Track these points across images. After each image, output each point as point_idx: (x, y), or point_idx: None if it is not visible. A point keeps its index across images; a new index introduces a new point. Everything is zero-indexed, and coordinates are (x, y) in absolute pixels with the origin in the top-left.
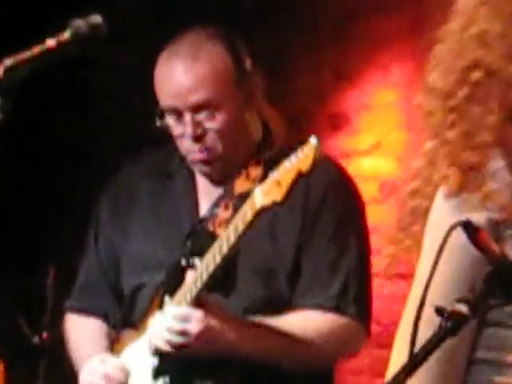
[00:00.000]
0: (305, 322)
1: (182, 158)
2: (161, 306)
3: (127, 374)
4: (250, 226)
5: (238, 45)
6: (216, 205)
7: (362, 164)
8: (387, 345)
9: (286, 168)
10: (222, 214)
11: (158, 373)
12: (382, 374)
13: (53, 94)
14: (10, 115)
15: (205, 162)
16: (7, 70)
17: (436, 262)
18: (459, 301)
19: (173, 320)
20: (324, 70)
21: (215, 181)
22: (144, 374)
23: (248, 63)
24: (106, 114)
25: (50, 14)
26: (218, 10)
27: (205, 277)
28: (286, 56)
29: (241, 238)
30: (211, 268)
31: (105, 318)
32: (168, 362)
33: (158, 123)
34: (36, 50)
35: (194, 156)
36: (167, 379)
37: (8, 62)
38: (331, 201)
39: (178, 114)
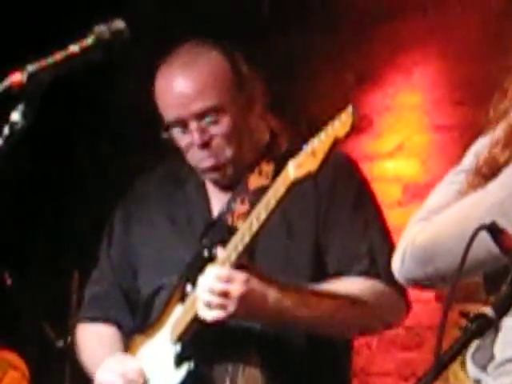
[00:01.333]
0: (348, 286)
1: (192, 167)
2: (182, 298)
3: (144, 378)
4: (283, 199)
5: (233, 51)
6: (232, 200)
7: (385, 166)
8: (411, 347)
9: (320, 138)
10: (240, 208)
11: (180, 359)
12: (406, 377)
13: (75, 100)
14: (33, 121)
15: (214, 168)
16: (31, 76)
17: (462, 263)
18: (485, 304)
19: (215, 280)
20: (346, 72)
21: (225, 187)
22: (165, 365)
23: (245, 68)
24: (127, 119)
25: (73, 20)
26: (234, 14)
27: (246, 239)
28: (308, 59)
29: (274, 211)
30: (250, 233)
31: (118, 325)
32: (191, 347)
33: (165, 136)
34: (59, 55)
35: (204, 164)
36: (191, 364)
37: (31, 68)
38: (341, 184)
39: (183, 124)
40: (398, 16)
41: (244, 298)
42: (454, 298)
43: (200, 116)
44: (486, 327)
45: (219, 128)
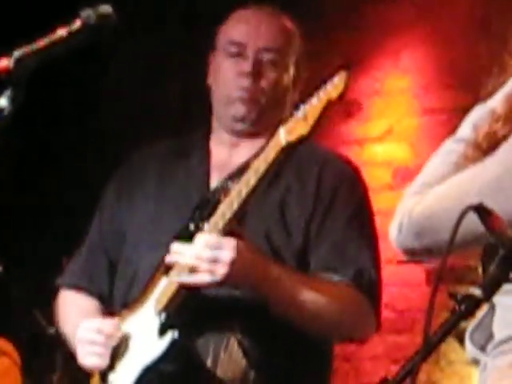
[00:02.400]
0: (332, 283)
1: (202, 138)
2: (167, 271)
3: (121, 331)
4: (273, 164)
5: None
6: (229, 178)
7: (374, 150)
8: (402, 330)
9: (312, 103)
10: (234, 187)
11: (164, 328)
12: (397, 360)
13: (64, 87)
14: (20, 106)
15: (247, 100)
16: (17, 61)
17: (451, 243)
18: (472, 284)
19: (204, 247)
20: (335, 56)
21: (240, 136)
22: (149, 336)
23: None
24: (119, 107)
25: (60, 4)
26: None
27: (235, 206)
28: None
29: (265, 177)
30: (238, 200)
31: (99, 298)
32: (175, 317)
33: (210, 56)
34: (46, 40)
35: (239, 92)
36: (175, 333)
37: (18, 52)
38: (343, 192)
39: (242, 48)
40: (385, 0)
41: (233, 263)
42: (442, 279)
43: (263, 50)
44: (474, 308)
45: (272, 71)
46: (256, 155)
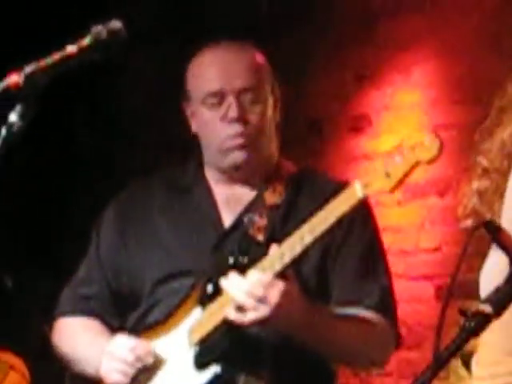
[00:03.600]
0: (361, 317)
1: (197, 173)
2: (201, 301)
3: (154, 357)
4: (343, 216)
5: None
6: (249, 212)
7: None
8: (412, 346)
9: (396, 161)
10: (259, 221)
11: (202, 361)
12: (407, 376)
13: (77, 100)
14: (31, 122)
15: (242, 146)
16: (28, 77)
17: (462, 257)
18: (483, 301)
19: (256, 285)
20: (345, 71)
21: (239, 182)
22: (183, 365)
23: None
24: (130, 121)
25: (70, 20)
26: (233, 14)
27: (297, 251)
28: (308, 58)
29: (332, 227)
30: (301, 245)
31: (103, 321)
32: (213, 349)
33: (185, 106)
34: (56, 56)
35: (231, 142)
36: (218, 369)
37: (28, 68)
38: (357, 225)
39: (221, 97)
40: (396, 15)
41: (280, 307)
42: (452, 295)
43: (242, 92)
44: (484, 324)
45: (256, 110)
46: (265, 188)
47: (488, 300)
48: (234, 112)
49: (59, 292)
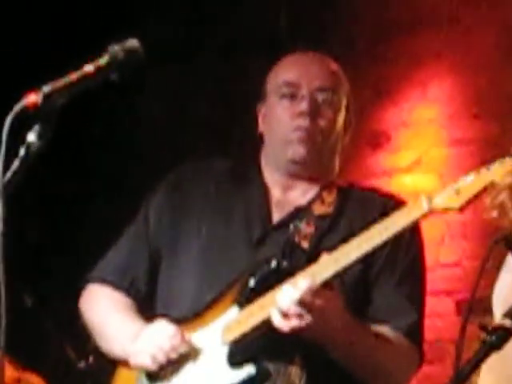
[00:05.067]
0: (390, 340)
1: (256, 172)
2: (238, 300)
3: (189, 350)
4: (404, 230)
5: None
6: (297, 218)
7: (403, 181)
8: (433, 361)
9: (468, 180)
10: (305, 228)
11: (236, 359)
12: None
13: (92, 121)
14: (49, 141)
15: (304, 140)
16: (46, 97)
17: (481, 271)
18: (504, 315)
19: (306, 292)
20: (363, 87)
21: (295, 179)
22: (216, 361)
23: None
24: (145, 139)
25: (87, 40)
26: (254, 28)
27: (340, 266)
28: None
29: (388, 240)
30: (357, 253)
31: (136, 301)
32: (249, 349)
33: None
34: (74, 76)
35: (296, 134)
36: (252, 369)
37: (46, 88)
38: (402, 246)
39: (296, 88)
40: (413, 30)
41: (323, 315)
42: (472, 310)
43: (318, 90)
44: (505, 339)
45: (327, 113)
46: (315, 199)
47: (508, 314)
48: (304, 106)
49: (75, 310)
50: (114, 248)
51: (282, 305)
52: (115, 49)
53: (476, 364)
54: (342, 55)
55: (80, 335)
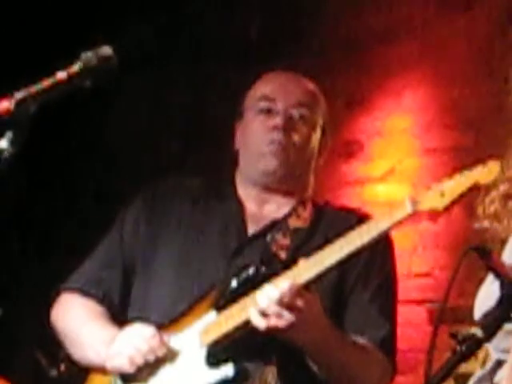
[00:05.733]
0: (367, 349)
1: (230, 187)
2: (216, 305)
3: (167, 352)
4: (386, 233)
5: None
6: (272, 229)
7: (376, 190)
8: (405, 371)
9: (454, 180)
10: (281, 240)
11: (214, 360)
12: None
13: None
14: (21, 148)
15: (277, 153)
16: (18, 103)
17: (452, 281)
18: (474, 325)
19: (287, 292)
20: (336, 97)
21: (268, 192)
22: (194, 363)
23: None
24: (119, 143)
25: (59, 46)
26: (224, 39)
27: (323, 266)
28: None
29: (371, 242)
30: (331, 261)
31: (109, 310)
32: (228, 351)
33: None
34: (46, 82)
35: (269, 147)
36: (230, 369)
37: (19, 95)
38: (380, 257)
39: (271, 103)
40: (387, 40)
41: (303, 316)
42: (443, 320)
43: (294, 106)
44: (475, 348)
45: (302, 129)
46: (291, 213)
47: (479, 324)
48: (279, 120)
49: (47, 318)
50: (88, 259)
51: (261, 303)
52: (88, 56)
53: (446, 373)
54: (315, 63)
55: (52, 343)
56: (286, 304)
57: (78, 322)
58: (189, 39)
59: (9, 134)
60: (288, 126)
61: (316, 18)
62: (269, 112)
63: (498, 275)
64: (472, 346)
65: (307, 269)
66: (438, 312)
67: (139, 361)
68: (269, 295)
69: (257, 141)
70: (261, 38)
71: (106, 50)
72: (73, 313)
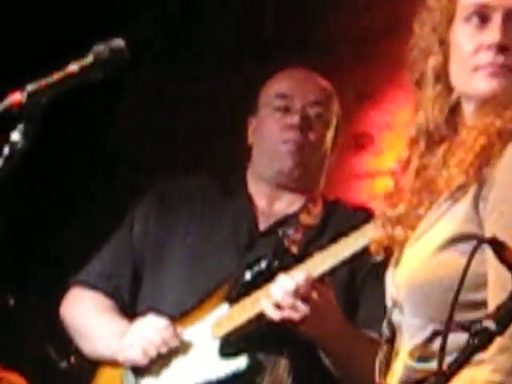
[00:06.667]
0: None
1: (241, 184)
2: (228, 298)
3: (180, 344)
4: None
5: None
6: (283, 225)
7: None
8: None
9: None
10: (294, 235)
11: (228, 352)
12: None
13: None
14: (33, 140)
15: (293, 153)
16: (30, 96)
17: (465, 272)
18: (487, 317)
19: (302, 283)
20: (346, 90)
21: (281, 189)
22: (206, 355)
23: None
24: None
25: (74, 37)
26: (235, 36)
27: (338, 259)
28: None
29: None
30: (346, 254)
31: (120, 305)
32: (240, 342)
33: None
34: (58, 74)
35: (285, 147)
36: (243, 360)
37: (31, 87)
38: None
39: (288, 102)
40: (397, 33)
41: (318, 309)
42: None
43: (310, 105)
44: (488, 341)
45: (317, 127)
46: (302, 209)
47: (491, 316)
48: (296, 119)
49: (58, 311)
50: (98, 255)
51: (276, 295)
52: (100, 48)
53: (459, 366)
54: (325, 57)
55: (62, 336)
56: (301, 296)
57: (87, 315)
58: (199, 36)
59: (21, 127)
60: (305, 125)
61: (327, 11)
62: (285, 110)
63: (510, 268)
64: (485, 339)
65: (322, 261)
66: (452, 303)
67: (152, 353)
68: (284, 286)
69: (272, 139)
70: (273, 33)
71: (119, 43)
72: (81, 306)
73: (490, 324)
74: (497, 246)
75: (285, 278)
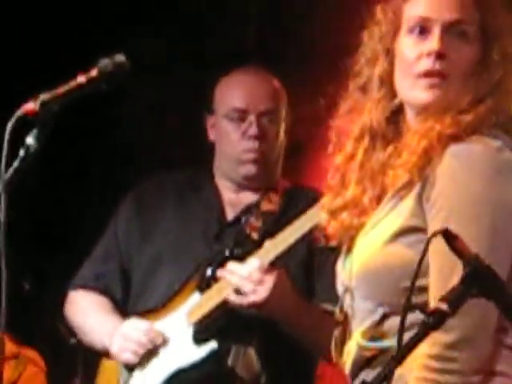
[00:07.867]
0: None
1: (208, 177)
2: (199, 287)
3: (164, 339)
4: None
5: None
6: (247, 214)
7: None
8: None
9: None
10: (254, 222)
11: (200, 338)
12: None
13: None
14: (45, 144)
15: (256, 161)
16: (43, 104)
17: (420, 263)
18: (440, 299)
19: (255, 270)
20: (321, 99)
21: (246, 188)
22: (182, 342)
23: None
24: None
25: (80, 53)
26: (219, 45)
27: (290, 241)
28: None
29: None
30: (295, 236)
31: (112, 300)
32: (211, 328)
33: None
34: (68, 86)
35: (248, 155)
36: (214, 344)
37: (43, 96)
38: None
39: (244, 114)
40: None
41: (275, 289)
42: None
43: (263, 113)
44: (441, 320)
45: (272, 130)
46: (263, 197)
47: (445, 298)
48: (254, 130)
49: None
50: (89, 258)
51: (234, 281)
52: (105, 62)
53: (416, 342)
54: (300, 71)
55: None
56: (258, 280)
57: (83, 315)
58: (183, 47)
59: (34, 132)
60: (261, 134)
61: (307, 20)
62: (241, 120)
63: (462, 257)
64: (438, 319)
65: (273, 248)
66: (409, 289)
67: (142, 352)
68: (239, 273)
69: (233, 147)
70: (255, 44)
71: (120, 57)
72: (78, 307)
73: (443, 305)
74: (449, 236)
75: (240, 266)
